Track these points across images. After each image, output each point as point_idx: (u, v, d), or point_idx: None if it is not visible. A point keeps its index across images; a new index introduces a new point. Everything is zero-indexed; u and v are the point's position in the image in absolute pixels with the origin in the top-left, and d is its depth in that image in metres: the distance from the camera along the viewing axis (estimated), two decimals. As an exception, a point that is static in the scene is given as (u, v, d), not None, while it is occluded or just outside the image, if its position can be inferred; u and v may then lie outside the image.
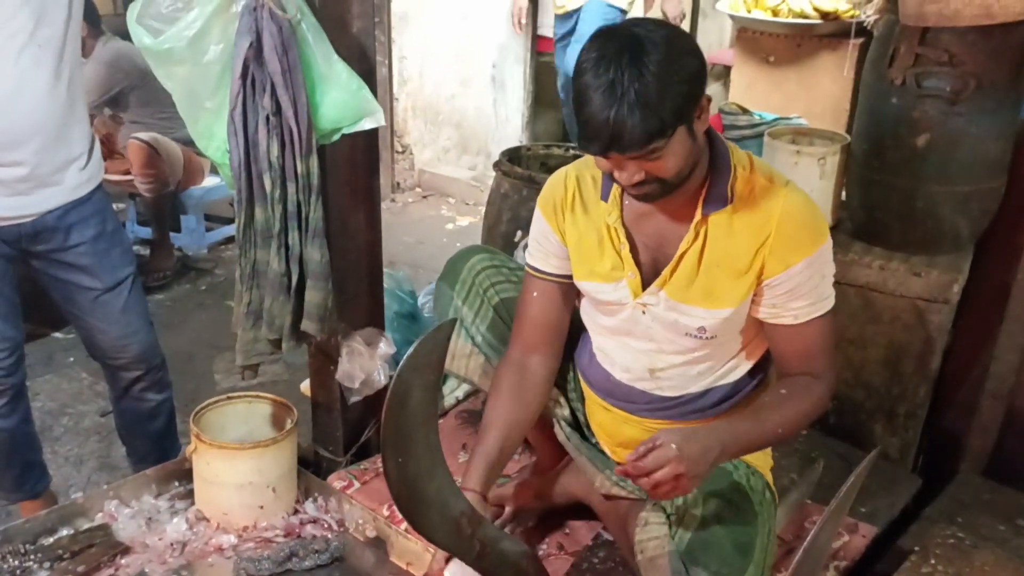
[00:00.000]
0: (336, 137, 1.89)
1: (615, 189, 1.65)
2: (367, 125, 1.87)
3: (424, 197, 5.22)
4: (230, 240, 4.41)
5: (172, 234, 4.18)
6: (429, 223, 4.85)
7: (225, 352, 3.26)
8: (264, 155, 1.83)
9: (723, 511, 1.64)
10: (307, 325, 1.95)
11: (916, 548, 1.85)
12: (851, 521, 2.09)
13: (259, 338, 1.98)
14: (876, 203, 2.47)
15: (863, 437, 2.51)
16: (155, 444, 2.45)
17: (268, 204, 1.87)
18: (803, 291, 1.58)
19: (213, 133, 1.90)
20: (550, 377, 1.80)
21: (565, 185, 1.73)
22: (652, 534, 1.65)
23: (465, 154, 5.31)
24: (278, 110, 1.80)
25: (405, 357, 1.20)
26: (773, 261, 1.56)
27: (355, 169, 2.03)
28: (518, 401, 1.73)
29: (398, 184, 5.21)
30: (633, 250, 1.66)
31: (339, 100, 1.83)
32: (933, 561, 1.82)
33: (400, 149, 5.23)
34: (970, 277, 2.39)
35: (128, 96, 3.96)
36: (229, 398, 2.18)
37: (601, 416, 1.86)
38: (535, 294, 1.78)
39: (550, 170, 1.76)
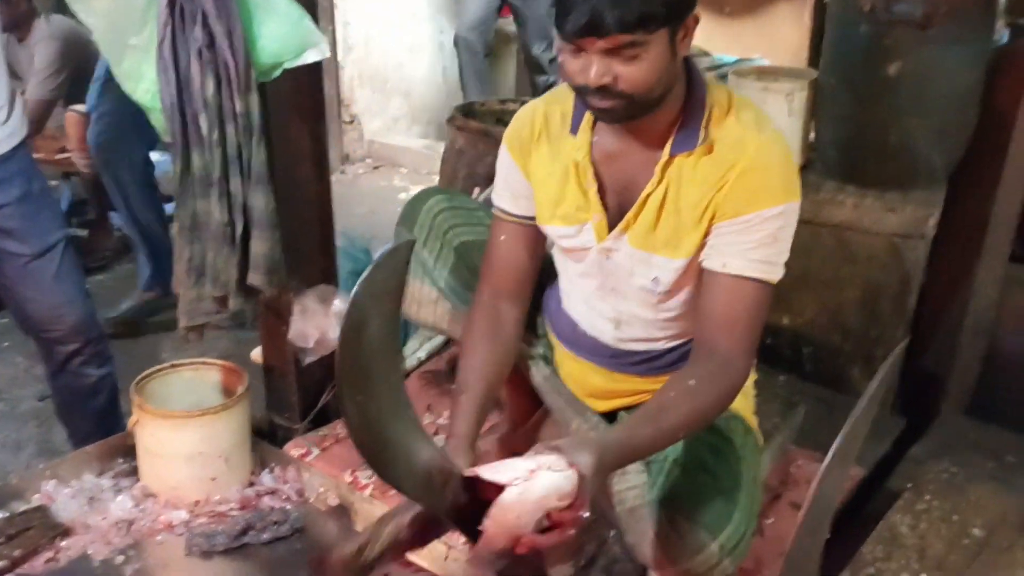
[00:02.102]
0: (277, 73, 1.74)
1: (586, 120, 1.53)
2: (311, 58, 1.72)
3: (375, 168, 5.05)
4: (172, 218, 4.22)
5: (111, 213, 3.98)
6: (381, 194, 4.69)
7: (173, 331, 3.09)
8: (198, 93, 1.68)
9: (705, 456, 1.53)
10: (254, 278, 1.80)
11: (909, 486, 1.77)
12: (837, 464, 2.00)
13: (203, 296, 1.84)
14: (848, 139, 2.38)
15: (842, 383, 2.42)
16: (97, 423, 2.28)
17: (206, 148, 1.72)
18: (745, 244, 1.42)
19: (141, 74, 1.74)
20: (521, 321, 1.69)
21: (533, 120, 1.61)
22: (631, 483, 1.54)
23: (416, 123, 5.16)
24: (212, 42, 1.65)
25: (359, 282, 1.07)
26: (726, 205, 1.43)
27: (300, 111, 1.88)
28: (495, 342, 1.60)
29: (347, 155, 5.03)
30: (601, 191, 1.54)
31: (279, 31, 1.69)
32: (928, 497, 1.74)
33: (348, 119, 5.05)
34: (945, 211, 2.32)
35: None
36: (174, 366, 2.03)
37: (569, 366, 1.75)
38: (503, 237, 1.65)
39: (506, 124, 1.63)
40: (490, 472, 1.18)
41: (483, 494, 1.18)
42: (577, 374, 1.74)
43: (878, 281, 2.34)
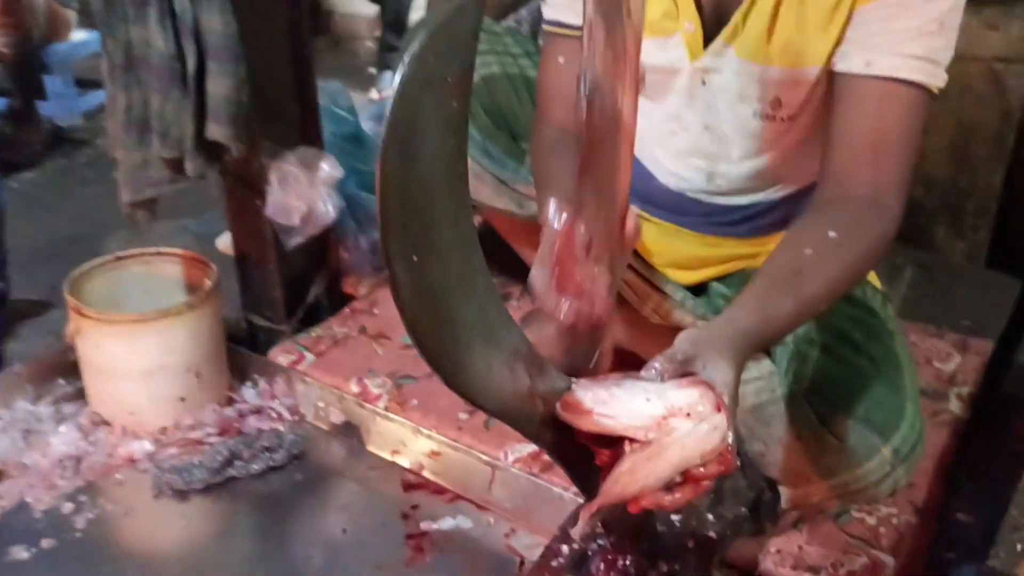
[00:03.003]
0: None
1: None
2: None
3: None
4: (111, 106, 3.75)
5: (38, 103, 3.53)
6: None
7: (118, 230, 2.65)
8: None
9: (850, 331, 1.16)
10: (215, 131, 1.37)
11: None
12: (956, 337, 1.65)
13: (150, 160, 1.39)
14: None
15: (922, 243, 2.07)
16: None
17: (134, -51, 1.24)
18: (899, 33, 1.04)
19: None
20: None
21: None
22: (751, 374, 1.16)
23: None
24: None
25: (407, 60, 0.63)
26: None
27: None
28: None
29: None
30: None
31: None
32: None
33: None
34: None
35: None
36: (119, 258, 1.60)
37: (644, 230, 1.34)
38: (562, 60, 1.22)
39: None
40: (602, 408, 0.80)
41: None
42: (653, 239, 1.35)
43: (972, 119, 2.00)
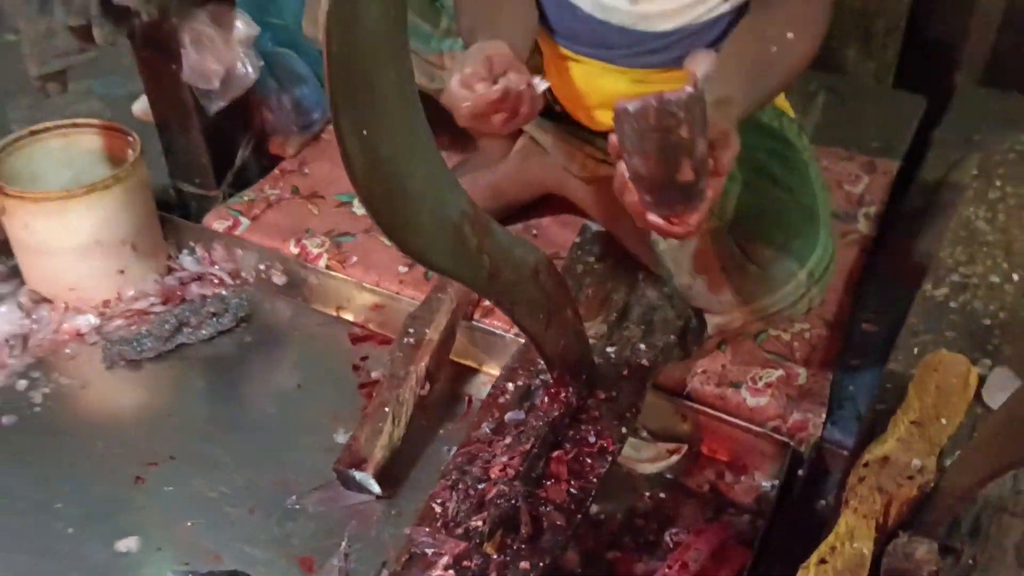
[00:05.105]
0: None
1: None
2: None
3: None
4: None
5: None
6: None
7: (18, 96, 2.51)
8: None
9: (769, 164, 1.22)
10: (123, -4, 1.30)
11: (975, 172, 1.50)
12: (864, 159, 1.73)
13: (55, 28, 1.33)
14: None
15: (834, 66, 2.11)
16: None
17: None
18: None
19: None
20: None
21: None
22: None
23: None
24: None
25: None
26: None
27: None
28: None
29: None
30: None
31: None
32: (999, 183, 1.47)
33: None
34: None
35: None
36: (33, 132, 1.55)
37: (568, 73, 1.35)
38: None
39: None
40: None
41: None
42: (581, 81, 1.35)
43: None
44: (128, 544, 1.20)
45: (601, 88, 1.34)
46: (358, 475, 1.22)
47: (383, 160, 0.72)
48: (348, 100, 0.67)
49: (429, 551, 1.03)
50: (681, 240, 1.17)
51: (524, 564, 1.01)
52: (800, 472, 1.23)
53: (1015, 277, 1.31)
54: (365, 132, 0.69)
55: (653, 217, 0.90)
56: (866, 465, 1.04)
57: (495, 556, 1.01)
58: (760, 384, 1.31)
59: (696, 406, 1.31)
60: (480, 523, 1.03)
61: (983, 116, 1.83)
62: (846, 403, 1.30)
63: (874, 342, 1.37)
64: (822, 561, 0.96)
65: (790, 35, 1.10)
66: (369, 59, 0.67)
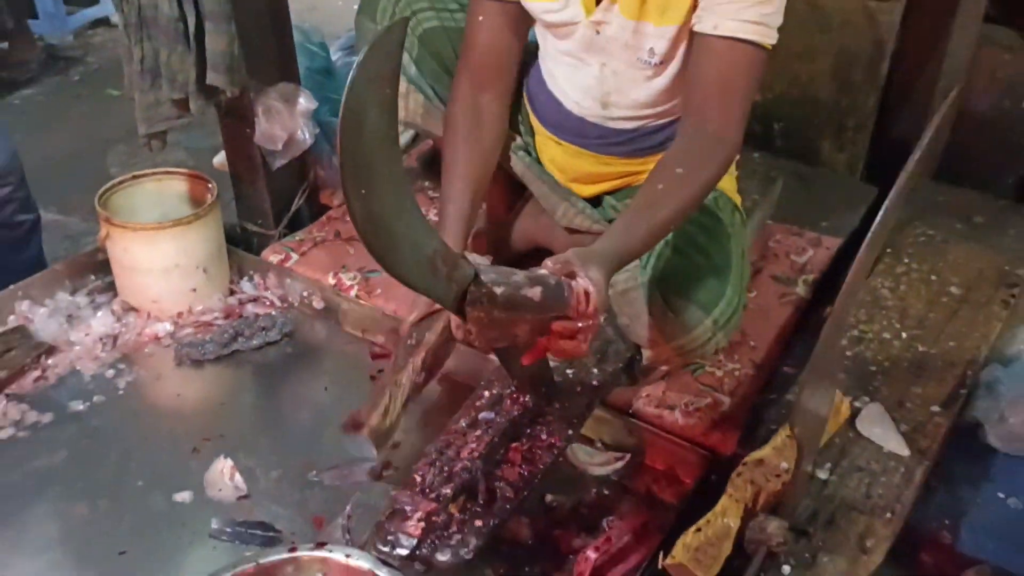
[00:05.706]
0: None
1: None
2: None
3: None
4: (97, 24, 3.94)
5: (30, 22, 3.67)
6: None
7: (116, 144, 2.93)
8: None
9: (696, 236, 1.52)
10: (214, 78, 1.69)
11: (888, 250, 1.80)
12: (813, 235, 2.04)
13: (161, 100, 1.73)
14: None
15: (811, 156, 2.43)
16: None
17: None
18: (738, 3, 1.34)
19: None
20: (505, 114, 1.62)
21: None
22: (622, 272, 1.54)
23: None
24: None
25: (355, 67, 0.99)
26: None
27: None
28: (477, 143, 1.55)
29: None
30: None
31: None
32: (907, 260, 1.77)
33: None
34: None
35: None
36: (135, 177, 1.94)
37: (552, 151, 1.71)
38: (481, 18, 1.55)
39: None
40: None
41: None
42: (560, 159, 1.70)
43: (851, 48, 2.30)
44: (184, 496, 1.52)
45: (577, 166, 1.68)
46: (358, 438, 1.50)
47: (376, 213, 1.06)
48: (352, 172, 1.02)
49: (408, 508, 1.34)
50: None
51: (479, 522, 1.32)
52: (714, 477, 1.53)
53: (904, 335, 1.60)
54: (363, 192, 1.04)
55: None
56: (744, 464, 1.34)
57: (456, 514, 1.33)
58: (691, 408, 1.61)
59: (639, 423, 1.61)
60: (448, 491, 1.35)
61: (929, 205, 2.12)
62: (759, 426, 1.59)
63: (790, 382, 1.66)
64: (698, 529, 1.26)
65: (679, 171, 1.31)
66: (368, 147, 1.03)
